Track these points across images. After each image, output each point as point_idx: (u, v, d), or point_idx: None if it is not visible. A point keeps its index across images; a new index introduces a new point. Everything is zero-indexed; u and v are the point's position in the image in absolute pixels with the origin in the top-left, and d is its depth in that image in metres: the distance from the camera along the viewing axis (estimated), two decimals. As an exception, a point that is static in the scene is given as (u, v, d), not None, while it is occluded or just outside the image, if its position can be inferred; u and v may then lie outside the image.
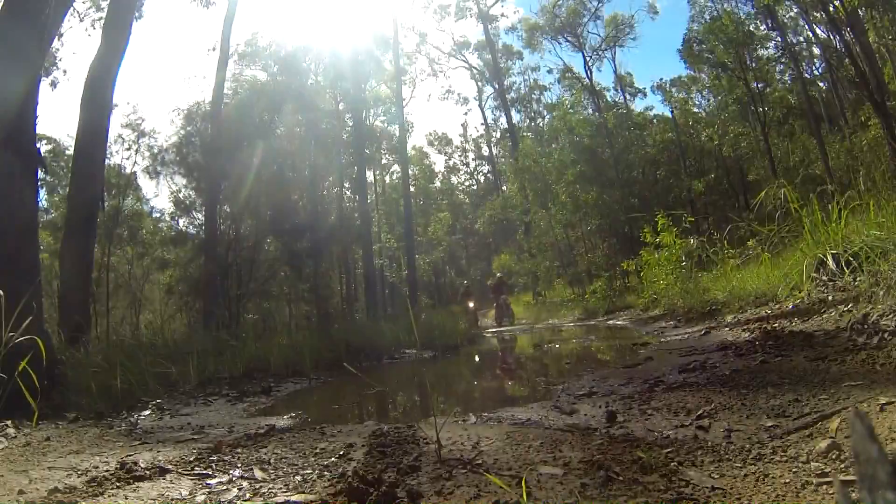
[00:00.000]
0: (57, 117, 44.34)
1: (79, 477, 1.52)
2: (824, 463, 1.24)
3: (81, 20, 14.65)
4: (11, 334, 2.37)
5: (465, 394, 3.50)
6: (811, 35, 16.33)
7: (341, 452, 1.70)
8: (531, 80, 31.76)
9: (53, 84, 15.19)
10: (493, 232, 32.91)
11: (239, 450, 1.83)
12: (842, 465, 1.21)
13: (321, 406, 3.28)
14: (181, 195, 17.55)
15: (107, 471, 1.56)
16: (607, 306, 12.67)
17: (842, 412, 1.53)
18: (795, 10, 15.95)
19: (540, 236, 20.89)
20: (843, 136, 14.49)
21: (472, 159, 39.99)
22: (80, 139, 6.48)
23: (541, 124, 29.87)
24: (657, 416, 1.92)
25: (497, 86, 29.84)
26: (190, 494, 1.37)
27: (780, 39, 17.15)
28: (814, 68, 18.64)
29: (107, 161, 12.42)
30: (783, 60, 17.67)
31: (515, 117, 30.75)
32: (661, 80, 27.50)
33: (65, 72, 20.03)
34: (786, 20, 17.03)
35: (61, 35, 13.92)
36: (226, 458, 1.72)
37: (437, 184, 39.70)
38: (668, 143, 19.78)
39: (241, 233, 15.85)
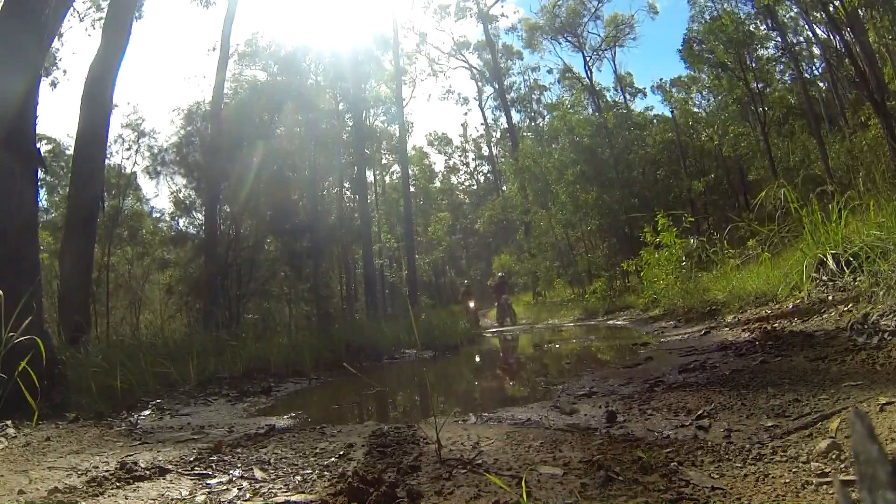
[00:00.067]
0: (57, 117, 44.42)
1: (79, 477, 1.52)
2: (824, 463, 1.24)
3: (81, 20, 14.68)
4: (11, 334, 2.37)
5: (465, 394, 3.50)
6: (811, 35, 16.35)
7: (341, 452, 1.70)
8: (531, 80, 31.84)
9: (53, 84, 15.23)
10: (493, 232, 32.93)
11: (239, 450, 1.83)
12: (842, 465, 1.21)
13: (321, 406, 3.28)
14: (181, 195, 17.55)
15: (107, 471, 1.56)
16: (607, 306, 12.67)
17: (842, 412, 1.53)
18: (795, 10, 15.96)
19: (540, 236, 20.89)
20: (843, 136, 14.49)
21: (472, 159, 40.04)
22: (80, 139, 6.48)
23: (541, 124, 29.89)
24: (657, 416, 1.92)
25: (497, 86, 29.87)
26: (190, 494, 1.37)
27: (780, 39, 17.18)
28: (814, 68, 18.66)
29: (107, 161, 12.42)
30: (783, 60, 17.69)
31: (515, 117, 30.82)
32: (661, 80, 27.59)
33: (65, 72, 20.10)
34: (786, 20, 17.05)
35: (61, 35, 13.93)
36: (226, 458, 1.72)
37: (437, 184, 39.73)
38: (668, 143, 19.79)
39: (241, 233, 15.84)
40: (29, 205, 3.43)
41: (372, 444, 1.76)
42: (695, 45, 18.70)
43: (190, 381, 3.70)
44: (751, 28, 17.24)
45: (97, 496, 1.36)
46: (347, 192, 22.54)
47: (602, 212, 17.22)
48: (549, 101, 28.36)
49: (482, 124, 38.67)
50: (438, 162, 46.69)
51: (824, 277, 3.71)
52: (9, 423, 2.25)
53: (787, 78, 18.50)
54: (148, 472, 1.53)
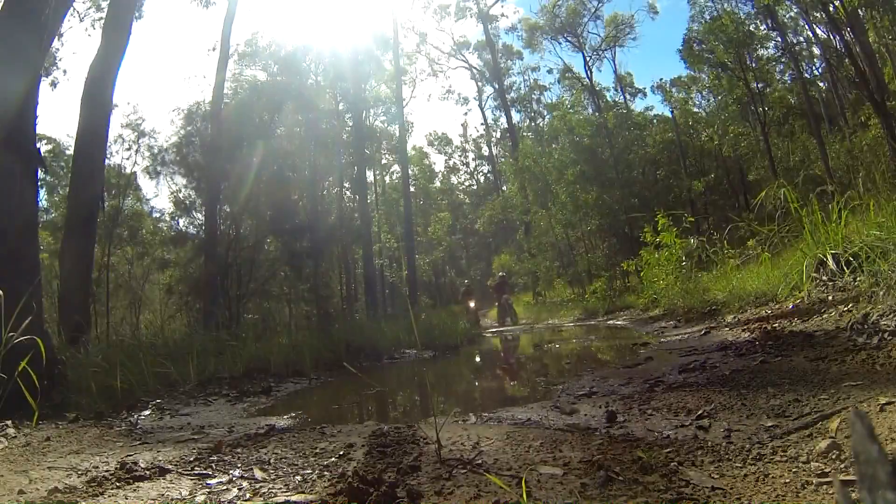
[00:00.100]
0: (57, 117, 44.42)
1: (79, 477, 1.52)
2: (824, 463, 1.24)
3: (81, 20, 14.68)
4: (11, 334, 2.37)
5: (465, 394, 3.50)
6: (811, 35, 16.35)
7: (341, 452, 1.70)
8: (531, 80, 31.84)
9: (53, 84, 15.23)
10: (493, 232, 32.93)
11: (239, 450, 1.83)
12: (842, 465, 1.21)
13: (321, 406, 3.28)
14: (181, 195, 17.54)
15: (107, 471, 1.56)
16: (607, 306, 12.67)
17: (842, 412, 1.53)
18: (795, 10, 15.96)
19: (540, 236, 20.89)
20: (843, 136, 14.48)
21: (472, 159, 40.05)
22: (80, 139, 6.48)
23: (541, 124, 29.89)
24: (657, 416, 1.92)
25: (497, 86, 29.87)
26: (190, 494, 1.37)
27: (780, 39, 17.17)
28: (814, 68, 18.66)
29: (107, 161, 12.42)
30: (783, 60, 17.68)
31: (515, 117, 30.82)
32: (661, 80, 27.62)
33: (65, 72, 20.10)
34: (786, 20, 17.05)
35: (61, 35, 13.93)
36: (226, 458, 1.72)
37: (437, 184, 39.73)
38: (668, 143, 19.79)
39: (241, 233, 15.83)
40: (29, 205, 3.44)
41: (372, 444, 1.76)
42: (695, 45, 18.70)
43: (190, 381, 3.70)
44: (751, 28, 17.25)
45: (97, 496, 1.36)
46: (347, 192, 22.56)
47: (602, 212, 17.22)
48: (549, 101, 28.41)
49: (482, 124, 38.72)
50: (438, 162, 46.79)
51: (824, 277, 3.71)
52: (9, 423, 2.25)
53: (787, 78, 18.51)
54: (148, 472, 1.53)
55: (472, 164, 40.18)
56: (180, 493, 1.38)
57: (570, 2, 24.94)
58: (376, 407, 3.11)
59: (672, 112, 22.06)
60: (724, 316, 5.12)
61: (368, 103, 21.60)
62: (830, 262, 3.68)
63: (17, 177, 3.27)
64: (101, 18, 11.46)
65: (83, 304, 6.05)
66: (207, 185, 13.61)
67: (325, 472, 1.50)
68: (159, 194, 59.38)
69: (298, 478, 1.46)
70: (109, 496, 1.36)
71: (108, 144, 11.15)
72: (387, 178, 33.07)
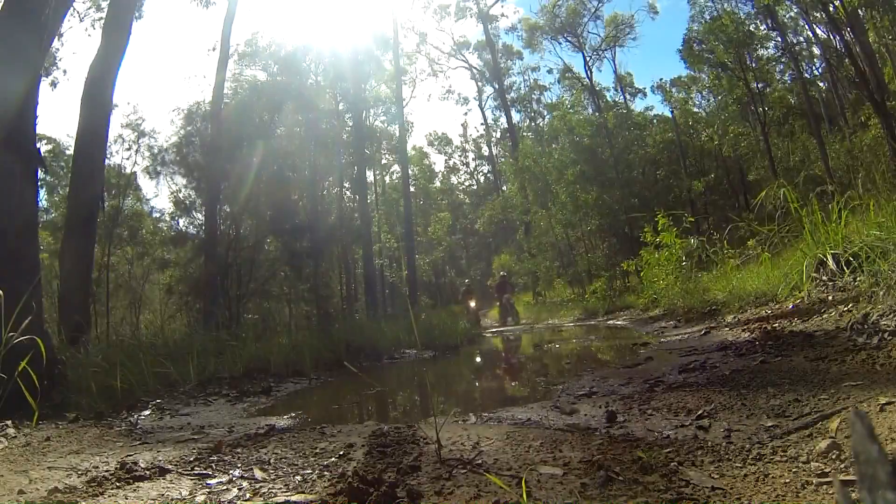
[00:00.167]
0: (57, 117, 44.42)
1: (79, 477, 1.52)
2: (824, 463, 1.24)
3: (81, 20, 14.68)
4: (11, 334, 2.37)
5: (465, 394, 3.50)
6: (811, 35, 16.36)
7: (341, 452, 1.70)
8: (531, 80, 31.84)
9: (53, 84, 15.23)
10: (493, 232, 32.92)
11: (239, 450, 1.83)
12: (842, 465, 1.21)
13: (321, 406, 3.28)
14: (181, 195, 17.53)
15: (107, 471, 1.56)
16: (607, 306, 12.67)
17: (842, 412, 1.53)
18: (795, 10, 15.96)
19: (540, 236, 20.89)
20: (843, 136, 14.49)
21: (472, 159, 40.05)
22: (80, 139, 6.48)
23: (541, 124, 29.90)
24: (657, 416, 1.92)
25: (497, 86, 29.87)
26: (190, 494, 1.37)
27: (780, 39, 17.18)
28: (814, 68, 18.67)
29: (107, 161, 12.42)
30: (783, 60, 17.69)
31: (515, 117, 30.83)
32: (661, 80, 27.62)
33: (65, 72, 20.09)
34: (786, 20, 17.05)
35: (61, 35, 13.93)
36: (226, 458, 1.72)
37: (437, 184, 39.74)
38: (668, 143, 19.79)
39: (241, 233, 15.83)
40: (29, 205, 3.43)
41: (372, 444, 1.76)
42: (695, 45, 18.70)
43: (190, 381, 3.70)
44: (751, 28, 17.25)
45: (97, 496, 1.36)
46: (347, 192, 22.55)
47: (602, 212, 17.22)
48: (549, 101, 28.42)
49: (482, 124, 38.72)
50: (438, 162, 46.79)
51: (824, 277, 3.71)
52: (9, 423, 2.25)
53: (787, 78, 18.51)
54: (148, 472, 1.53)
55: (472, 164, 40.23)
56: (180, 493, 1.38)
57: (570, 2, 24.96)
58: (376, 407, 3.11)
59: (672, 112, 22.08)
60: (724, 316, 5.12)
61: (368, 103, 21.60)
62: (830, 262, 3.68)
63: (17, 177, 3.27)
64: (101, 18, 11.46)
65: (83, 304, 6.05)
66: (207, 185, 13.61)
67: (325, 472, 1.50)
68: (159, 194, 59.43)
69: (298, 478, 1.46)
70: (109, 496, 1.36)
71: (108, 144, 11.15)
72: (387, 178, 33.09)
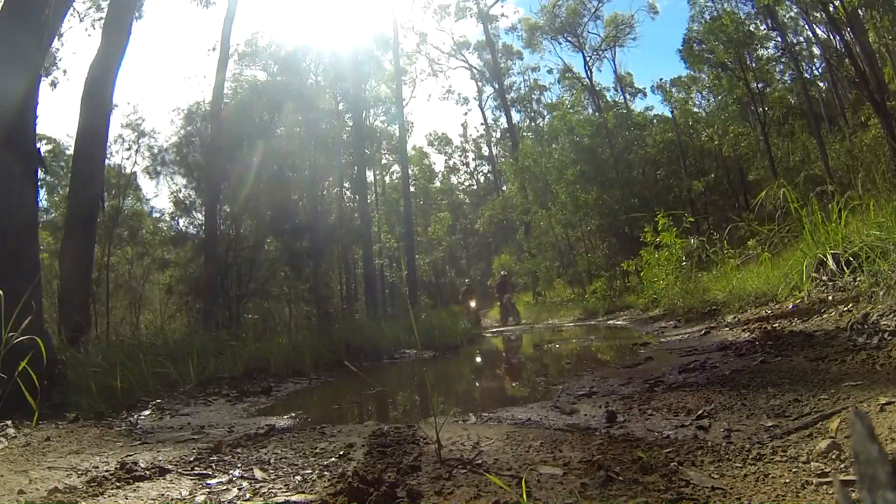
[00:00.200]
0: (57, 117, 44.42)
1: (79, 477, 1.52)
2: (824, 463, 1.24)
3: (81, 20, 14.68)
4: (11, 334, 2.37)
5: (465, 394, 3.50)
6: (811, 35, 16.35)
7: (341, 452, 1.70)
8: (531, 80, 31.84)
9: (53, 84, 15.23)
10: (493, 232, 32.92)
11: (239, 450, 1.83)
12: (842, 465, 1.21)
13: (321, 406, 3.28)
14: (181, 195, 17.53)
15: (107, 471, 1.56)
16: (607, 306, 12.67)
17: (842, 412, 1.53)
18: (795, 10, 15.96)
19: (540, 236, 20.89)
20: (843, 136, 14.49)
21: (472, 159, 40.06)
22: (80, 139, 6.48)
23: (541, 124, 29.90)
24: (657, 416, 1.92)
25: (497, 86, 29.87)
26: (190, 494, 1.37)
27: (780, 39, 17.17)
28: (814, 68, 18.66)
29: (107, 161, 12.42)
30: (783, 60, 17.68)
31: (515, 117, 30.83)
32: (661, 80, 27.62)
33: (65, 72, 20.11)
34: (786, 20, 17.05)
35: (61, 35, 13.94)
36: (226, 458, 1.72)
37: (437, 184, 39.74)
38: (668, 143, 19.79)
39: (241, 233, 15.83)
40: (29, 205, 3.43)
41: (372, 444, 1.76)
42: (695, 45, 18.70)
43: (190, 381, 3.70)
44: (751, 28, 17.25)
45: (97, 496, 1.36)
46: (347, 192, 22.55)
47: (602, 212, 17.22)
48: (549, 101, 28.42)
49: (482, 124, 38.74)
50: (438, 162, 46.83)
51: (824, 277, 3.71)
52: (9, 423, 2.25)
53: (787, 78, 18.51)
54: (148, 472, 1.53)
55: (472, 164, 40.23)
56: (180, 493, 1.38)
57: (570, 2, 24.95)
58: (376, 407, 3.11)
59: (672, 112, 22.07)
60: (724, 316, 5.12)
61: (368, 103, 21.60)
62: (830, 262, 3.68)
63: (17, 177, 3.27)
64: (101, 18, 11.46)
65: (83, 304, 6.05)
66: (207, 185, 13.61)
67: (325, 472, 1.50)
68: (159, 194, 59.43)
69: (298, 478, 1.46)
70: (109, 496, 1.36)
71: (108, 144, 11.15)
72: (387, 178, 33.08)
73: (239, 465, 1.62)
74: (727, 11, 17.35)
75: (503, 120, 32.28)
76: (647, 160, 19.24)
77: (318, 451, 1.76)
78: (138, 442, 2.09)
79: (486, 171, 39.33)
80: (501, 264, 23.99)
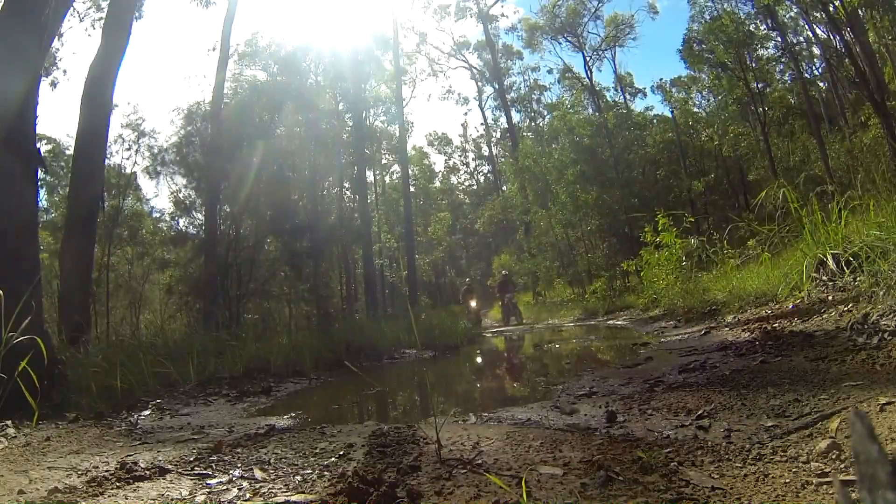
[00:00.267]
0: (57, 117, 44.41)
1: (79, 477, 1.52)
2: (824, 463, 1.24)
3: (81, 20, 14.68)
4: (11, 334, 2.37)
5: (465, 394, 3.50)
6: (811, 35, 16.36)
7: (341, 452, 1.70)
8: (531, 80, 31.85)
9: (53, 84, 15.23)
10: (493, 232, 32.92)
11: (239, 450, 1.83)
12: (842, 465, 1.21)
13: (321, 406, 3.28)
14: (181, 195, 17.51)
15: (107, 471, 1.56)
16: (607, 306, 12.67)
17: (842, 412, 1.53)
18: (795, 10, 15.96)
19: (540, 236, 20.89)
20: (843, 136, 14.48)
21: (472, 159, 40.07)
22: (80, 139, 6.47)
23: (541, 124, 29.89)
24: (657, 416, 1.92)
25: (497, 86, 29.87)
26: (190, 494, 1.37)
27: (780, 39, 17.17)
28: (814, 68, 18.66)
29: (107, 161, 12.41)
30: (783, 60, 17.68)
31: (515, 117, 30.83)
32: (661, 80, 27.62)
33: (65, 72, 20.09)
34: (786, 20, 17.05)
35: (61, 35, 13.94)
36: (226, 458, 1.72)
37: (437, 184, 39.75)
38: (668, 143, 19.79)
39: (241, 233, 15.82)
40: (29, 205, 3.43)
41: (372, 444, 1.76)
42: (695, 45, 18.70)
43: (190, 381, 3.70)
44: (751, 28, 17.25)
45: (97, 496, 1.36)
46: (347, 192, 22.54)
47: (602, 212, 17.22)
48: (549, 101, 28.42)
49: (482, 124, 38.74)
50: (438, 162, 46.81)
51: (824, 277, 3.71)
52: (9, 423, 2.25)
53: (787, 78, 18.51)
54: (148, 472, 1.53)
55: (472, 164, 40.25)
56: (180, 493, 1.38)
57: (570, 2, 24.95)
58: (376, 407, 3.11)
59: (672, 112, 22.07)
60: (724, 316, 5.12)
61: (368, 103, 21.59)
62: (830, 262, 3.68)
63: (17, 177, 3.27)
64: (101, 18, 11.45)
65: (83, 304, 6.05)
66: (207, 185, 13.60)
67: (325, 472, 1.50)
68: (159, 194, 59.40)
69: (298, 478, 1.46)
70: (109, 496, 1.36)
71: (108, 144, 11.14)
72: (387, 178, 33.09)
73: (239, 465, 1.62)
74: (727, 11, 17.35)
75: (503, 120, 32.33)
76: (647, 160, 19.23)
77: (318, 451, 1.76)
78: (138, 442, 2.09)
79: (486, 171, 39.37)
80: (501, 264, 23.99)
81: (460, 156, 40.03)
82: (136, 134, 19.54)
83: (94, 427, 2.42)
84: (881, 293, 2.77)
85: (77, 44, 52.53)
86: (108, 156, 16.77)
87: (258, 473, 1.52)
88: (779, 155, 16.66)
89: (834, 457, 1.26)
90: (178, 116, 18.36)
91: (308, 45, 19.34)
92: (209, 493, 1.38)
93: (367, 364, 5.05)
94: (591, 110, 22.46)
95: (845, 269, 3.49)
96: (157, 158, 18.66)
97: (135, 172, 19.89)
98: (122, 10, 7.11)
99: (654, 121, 21.95)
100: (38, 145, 3.69)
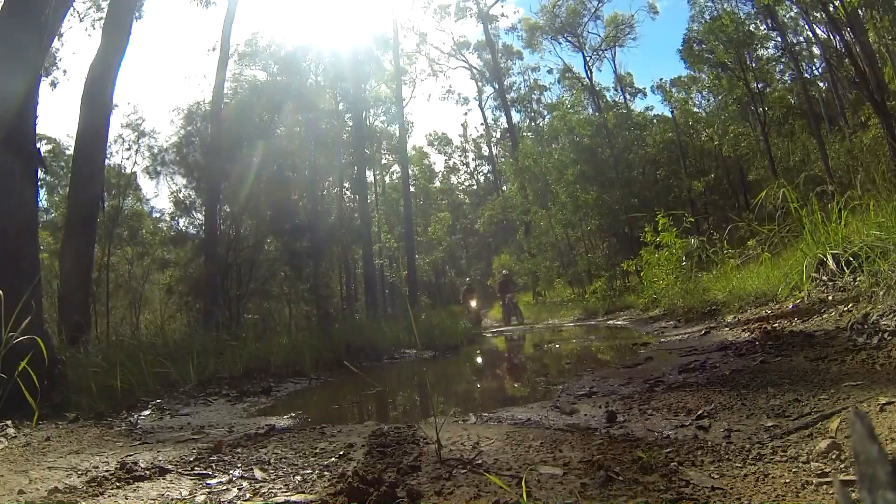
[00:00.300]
0: (57, 117, 44.40)
1: (79, 477, 1.52)
2: (824, 463, 1.24)
3: (81, 20, 14.67)
4: (11, 334, 2.37)
5: (465, 394, 3.50)
6: (811, 35, 16.35)
7: (341, 452, 1.70)
8: (531, 80, 31.86)
9: (53, 84, 15.23)
10: (493, 232, 32.93)
11: (239, 450, 1.83)
12: (842, 465, 1.21)
13: (321, 406, 3.28)
14: (181, 195, 17.51)
15: (107, 471, 1.56)
16: (607, 306, 12.67)
17: (842, 412, 1.53)
18: (795, 10, 15.96)
19: (540, 236, 20.89)
20: (843, 136, 14.48)
21: (472, 159, 40.08)
22: (80, 139, 6.47)
23: (541, 124, 29.89)
24: (657, 416, 1.92)
25: (497, 86, 29.87)
26: (190, 494, 1.37)
27: (780, 39, 17.17)
28: (814, 68, 18.66)
29: (107, 161, 12.41)
30: (783, 60, 17.68)
31: (515, 117, 30.83)
32: (661, 80, 27.63)
33: (65, 72, 20.09)
34: (786, 20, 17.05)
35: (61, 35, 13.94)
36: (226, 458, 1.72)
37: (437, 184, 39.75)
38: (668, 143, 19.78)
39: (241, 233, 15.82)
40: (29, 205, 3.43)
41: (372, 444, 1.76)
42: (695, 45, 18.69)
43: (190, 381, 3.70)
44: (751, 28, 17.24)
45: (97, 496, 1.36)
46: (347, 192, 22.54)
47: (602, 212, 17.21)
48: (549, 101, 28.42)
49: (482, 124, 38.76)
50: (438, 162, 46.84)
51: (824, 277, 3.71)
52: (9, 423, 2.25)
53: (787, 78, 18.51)
54: (148, 472, 1.53)
55: (472, 164, 40.25)
56: (180, 493, 1.38)
57: (570, 2, 24.95)
58: (376, 407, 3.11)
59: (672, 112, 22.06)
60: (724, 316, 5.12)
61: (368, 103, 21.59)
62: (830, 262, 3.68)
63: (17, 177, 3.27)
64: (101, 18, 11.45)
65: (83, 304, 6.05)
66: (207, 185, 13.60)
67: (325, 472, 1.50)
68: (159, 194, 59.39)
69: (298, 478, 1.46)
70: (109, 496, 1.36)
71: (108, 144, 11.14)
72: (387, 178, 33.09)
73: (239, 465, 1.62)
74: (727, 11, 17.35)
75: (503, 120, 32.34)
76: (647, 160, 19.23)
77: (318, 451, 1.76)
78: (138, 442, 2.09)
79: (486, 171, 39.38)
80: (501, 264, 24.00)
81: (460, 156, 40.08)
82: (136, 134, 19.56)
83: (94, 427, 2.42)
84: (881, 293, 2.77)
85: (77, 44, 52.59)
86: (108, 156, 16.78)
87: (258, 473, 1.52)
88: (779, 155, 16.66)
89: (834, 457, 1.26)
90: (178, 116, 18.38)
91: (308, 45, 19.36)
92: (209, 493, 1.38)
93: (367, 364, 5.05)
94: (591, 110, 22.46)
95: (845, 269, 3.49)
96: (157, 158, 18.68)
97: (135, 172, 19.91)
98: (122, 10, 7.11)
99: (654, 121, 21.94)
100: (38, 145, 3.69)
